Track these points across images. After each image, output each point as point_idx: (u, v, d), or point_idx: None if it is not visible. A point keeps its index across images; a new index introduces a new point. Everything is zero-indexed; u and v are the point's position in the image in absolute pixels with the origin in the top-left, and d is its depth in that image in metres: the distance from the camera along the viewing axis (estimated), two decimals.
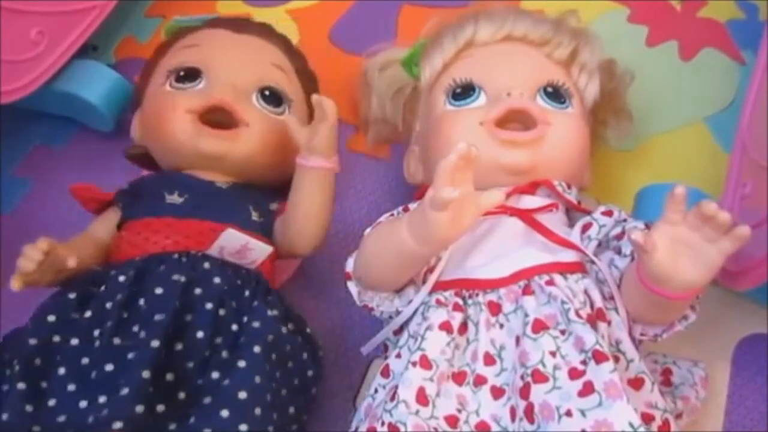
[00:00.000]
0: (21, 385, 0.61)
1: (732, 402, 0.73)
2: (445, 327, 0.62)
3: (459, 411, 0.60)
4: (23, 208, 0.89)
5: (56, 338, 0.65)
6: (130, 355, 0.61)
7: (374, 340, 0.69)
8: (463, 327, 0.63)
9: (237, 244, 0.71)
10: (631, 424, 0.54)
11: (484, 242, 0.67)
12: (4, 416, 0.60)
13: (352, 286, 0.68)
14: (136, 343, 0.62)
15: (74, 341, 0.64)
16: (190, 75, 0.77)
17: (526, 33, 0.75)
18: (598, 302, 0.62)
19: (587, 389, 0.56)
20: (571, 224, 0.69)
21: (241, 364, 0.62)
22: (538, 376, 0.58)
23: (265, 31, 0.84)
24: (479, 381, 0.61)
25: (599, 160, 0.81)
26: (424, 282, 0.66)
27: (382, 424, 0.58)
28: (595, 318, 0.61)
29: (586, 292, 0.63)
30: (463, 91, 0.73)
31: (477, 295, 0.64)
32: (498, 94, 0.71)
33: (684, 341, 0.71)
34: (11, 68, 0.79)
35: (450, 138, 0.71)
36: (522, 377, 0.59)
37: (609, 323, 0.62)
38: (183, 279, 0.66)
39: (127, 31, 1.00)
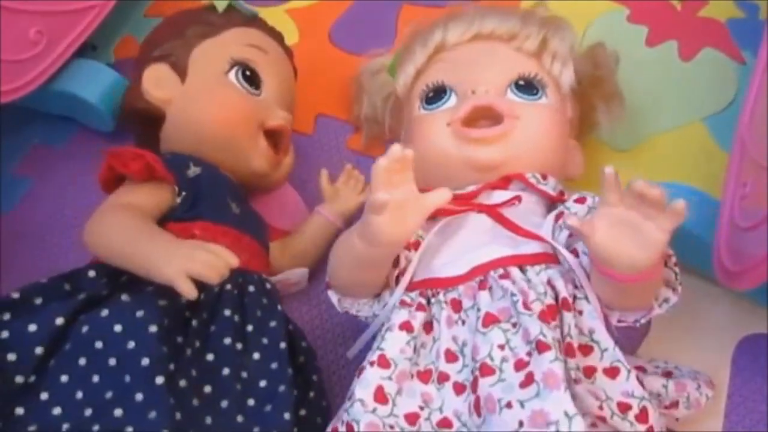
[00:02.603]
0: (172, 401, 0.58)
1: (732, 402, 0.73)
2: (405, 327, 0.62)
3: (421, 408, 0.60)
4: (23, 208, 0.89)
5: (165, 348, 0.61)
6: (281, 388, 0.64)
7: (357, 344, 0.70)
8: (429, 326, 0.64)
9: (297, 280, 0.78)
10: (566, 413, 0.54)
11: (450, 241, 0.68)
12: (153, 414, 0.57)
13: (332, 294, 0.69)
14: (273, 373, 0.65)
15: (188, 351, 0.63)
16: (256, 82, 0.78)
17: (493, 29, 0.75)
18: (564, 292, 0.62)
19: (528, 380, 0.57)
20: None
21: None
22: (485, 370, 0.58)
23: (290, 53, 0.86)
24: (442, 378, 0.61)
25: (597, 160, 0.81)
26: (397, 284, 0.66)
27: (342, 423, 0.59)
28: (560, 308, 0.61)
29: (549, 282, 0.63)
30: (435, 95, 0.73)
31: (439, 293, 0.64)
32: (465, 93, 0.71)
33: (684, 341, 0.71)
34: (10, 68, 0.79)
35: (423, 142, 0.71)
36: (472, 371, 0.59)
37: (580, 312, 0.62)
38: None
39: (127, 30, 1.00)
